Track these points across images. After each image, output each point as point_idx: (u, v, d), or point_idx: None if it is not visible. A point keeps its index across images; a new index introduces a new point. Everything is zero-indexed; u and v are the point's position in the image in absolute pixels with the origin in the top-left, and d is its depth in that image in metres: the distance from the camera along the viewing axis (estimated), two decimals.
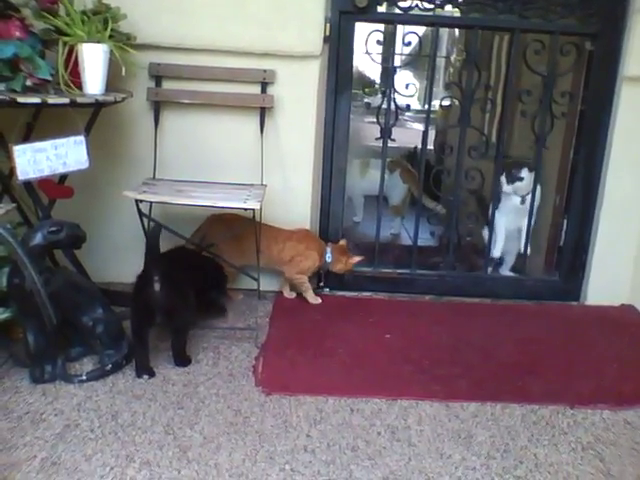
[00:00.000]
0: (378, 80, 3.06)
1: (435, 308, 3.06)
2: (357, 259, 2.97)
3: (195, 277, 2.45)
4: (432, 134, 5.86)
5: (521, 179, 3.13)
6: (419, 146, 5.30)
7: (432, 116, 5.75)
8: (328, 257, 2.93)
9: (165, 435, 1.95)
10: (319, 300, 3.00)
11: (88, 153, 2.31)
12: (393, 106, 2.98)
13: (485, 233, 3.24)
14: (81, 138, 2.29)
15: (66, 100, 2.20)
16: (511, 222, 3.24)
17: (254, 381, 2.29)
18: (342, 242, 3.00)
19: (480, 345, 2.66)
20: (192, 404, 2.12)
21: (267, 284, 2.97)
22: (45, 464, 1.79)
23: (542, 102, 2.97)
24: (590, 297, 3.15)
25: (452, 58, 5.22)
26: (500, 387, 2.34)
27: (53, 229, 2.09)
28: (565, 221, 3.17)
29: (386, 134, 2.99)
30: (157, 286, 2.24)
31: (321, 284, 3.05)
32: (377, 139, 3.04)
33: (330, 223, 3.09)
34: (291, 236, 2.93)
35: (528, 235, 3.17)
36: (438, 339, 2.70)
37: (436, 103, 5.79)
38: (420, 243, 3.23)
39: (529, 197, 3.14)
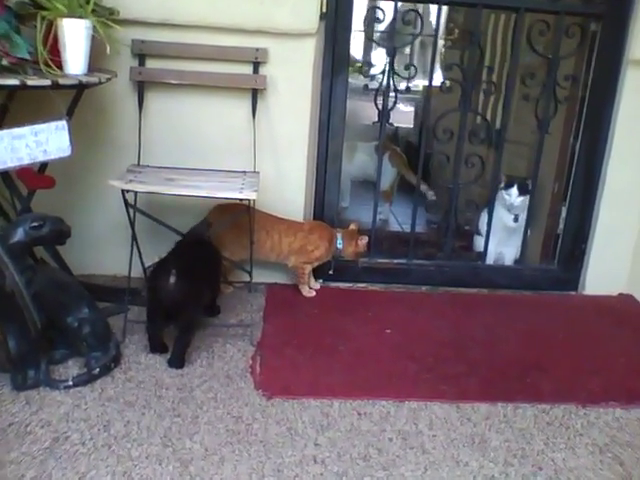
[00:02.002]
0: (374, 60, 2.88)
1: (433, 300, 2.96)
2: (365, 238, 2.84)
3: (208, 272, 2.32)
4: (413, 115, 5.87)
5: (530, 192, 3.05)
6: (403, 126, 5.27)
7: (417, 96, 5.76)
8: (339, 243, 2.82)
9: (163, 447, 1.81)
10: (313, 293, 2.87)
11: (70, 139, 2.12)
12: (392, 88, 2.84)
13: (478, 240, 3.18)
14: (63, 123, 2.09)
15: (47, 82, 2.00)
16: (502, 240, 3.20)
17: (253, 383, 2.16)
18: (352, 226, 2.89)
19: (483, 339, 2.58)
20: (189, 411, 1.98)
21: (258, 276, 2.82)
22: None
23: (546, 85, 2.86)
24: (588, 287, 3.09)
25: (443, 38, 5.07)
26: (509, 385, 2.25)
27: (35, 224, 1.91)
28: (564, 209, 3.08)
29: (384, 117, 2.85)
30: (172, 279, 2.13)
31: (330, 272, 2.92)
32: (375, 123, 2.90)
33: (325, 211, 2.95)
34: (302, 227, 2.80)
35: (526, 231, 3.09)
36: (440, 334, 2.60)
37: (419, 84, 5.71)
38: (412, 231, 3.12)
39: (522, 216, 3.08)
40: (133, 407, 1.98)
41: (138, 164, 2.61)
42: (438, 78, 3.04)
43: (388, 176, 3.97)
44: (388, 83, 2.82)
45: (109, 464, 1.72)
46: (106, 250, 2.85)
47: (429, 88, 2.97)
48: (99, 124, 2.70)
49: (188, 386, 2.11)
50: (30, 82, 1.96)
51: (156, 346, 2.27)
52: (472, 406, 2.11)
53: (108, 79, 2.29)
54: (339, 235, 2.82)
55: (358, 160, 3.83)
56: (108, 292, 2.64)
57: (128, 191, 2.27)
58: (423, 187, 3.73)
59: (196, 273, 2.21)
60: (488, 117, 3.46)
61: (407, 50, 5.98)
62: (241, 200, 2.29)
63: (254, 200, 2.32)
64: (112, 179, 2.26)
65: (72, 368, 2.17)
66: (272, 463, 1.78)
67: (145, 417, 1.93)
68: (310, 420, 1.97)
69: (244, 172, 2.60)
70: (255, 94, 2.67)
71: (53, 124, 2.07)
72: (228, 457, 1.79)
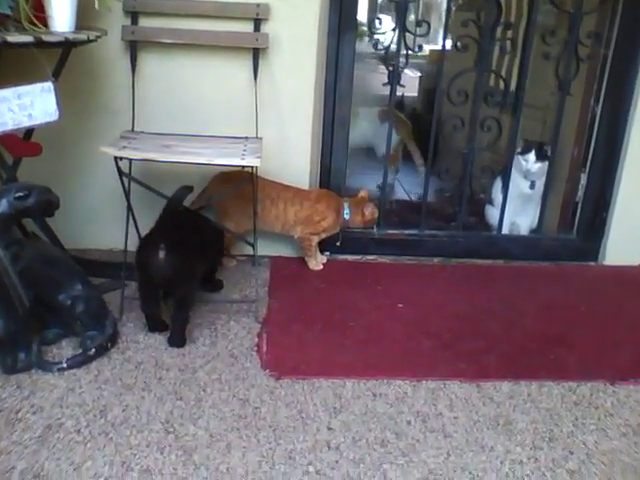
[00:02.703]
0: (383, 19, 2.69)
1: (446, 272, 2.81)
2: (370, 206, 2.68)
3: (203, 246, 2.18)
4: (419, 82, 5.65)
5: (548, 158, 2.87)
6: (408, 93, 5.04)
7: (422, 61, 5.53)
8: (346, 213, 2.65)
9: (165, 434, 1.67)
10: (320, 266, 2.72)
11: (58, 102, 1.95)
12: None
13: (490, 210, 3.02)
14: (49, 85, 1.92)
15: (29, 38, 1.82)
16: (516, 210, 3.03)
17: (260, 363, 2.02)
18: (362, 193, 2.72)
19: (501, 313, 2.44)
20: (192, 394, 1.85)
21: (262, 248, 2.67)
22: (26, 476, 1.51)
23: (567, 43, 2.67)
24: (609, 257, 2.94)
25: None
26: (532, 362, 2.12)
27: (20, 194, 1.76)
28: (583, 175, 2.92)
29: (395, 78, 2.67)
30: (162, 254, 1.98)
31: (338, 244, 2.76)
32: (385, 84, 2.72)
33: (331, 179, 2.79)
34: (309, 196, 2.64)
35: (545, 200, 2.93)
36: (455, 308, 2.46)
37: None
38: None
39: (539, 183, 2.91)
40: (132, 390, 1.85)
41: (132, 130, 2.44)
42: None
43: (391, 143, 3.79)
44: (399, 41, 2.64)
45: (106, 453, 1.59)
46: (101, 222, 2.70)
47: (443, 47, 2.77)
48: (90, 88, 2.52)
49: (190, 367, 1.98)
50: (11, 39, 1.78)
51: (154, 325, 2.13)
52: (494, 385, 1.98)
53: (97, 37, 2.11)
54: (346, 204, 2.66)
55: (358, 126, 3.64)
56: (104, 267, 2.49)
57: (121, 159, 2.10)
58: (418, 159, 3.61)
59: (187, 245, 2.06)
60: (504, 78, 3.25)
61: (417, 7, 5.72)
62: (243, 167, 2.12)
63: (257, 167, 2.16)
64: (104, 146, 2.09)
65: (66, 349, 2.04)
66: (283, 450, 1.65)
67: (145, 401, 1.80)
68: (322, 402, 1.84)
69: (246, 138, 2.43)
70: (257, 54, 2.48)
71: (38, 86, 1.90)
72: (235, 444, 1.65)
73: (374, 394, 1.89)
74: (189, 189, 2.06)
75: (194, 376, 1.93)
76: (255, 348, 2.10)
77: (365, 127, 3.76)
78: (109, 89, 2.53)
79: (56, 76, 2.01)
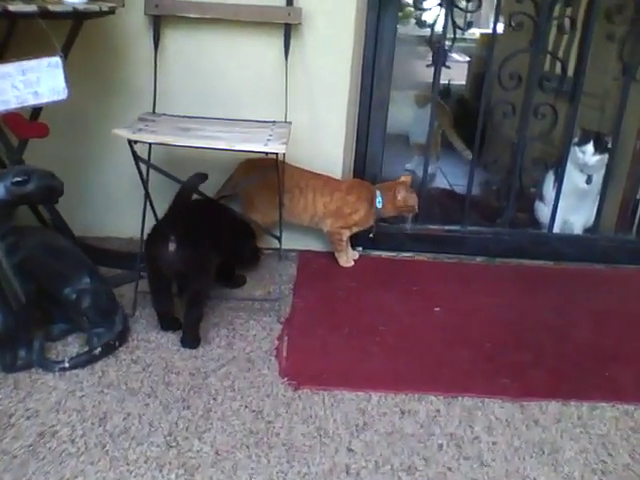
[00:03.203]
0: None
1: (490, 273, 2.57)
2: (403, 190, 2.42)
3: (219, 237, 2.00)
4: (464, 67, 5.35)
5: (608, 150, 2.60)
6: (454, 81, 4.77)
7: (471, 45, 5.24)
8: (378, 202, 2.42)
9: (167, 449, 1.51)
10: (351, 263, 2.52)
11: (66, 79, 1.80)
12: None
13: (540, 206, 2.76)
14: (57, 60, 1.77)
15: (33, 8, 1.66)
16: (570, 206, 2.75)
17: (278, 369, 1.84)
18: (403, 178, 2.48)
19: (550, 322, 2.19)
20: (201, 402, 1.68)
21: (289, 242, 2.49)
22: None
23: (634, 23, 2.39)
24: None
25: None
26: (583, 379, 1.88)
27: (18, 179, 1.60)
28: None
29: (440, 58, 2.43)
30: (172, 247, 1.82)
31: (371, 235, 2.53)
32: (428, 66, 2.49)
33: (367, 167, 2.58)
34: (340, 186, 2.43)
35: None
36: (498, 314, 2.22)
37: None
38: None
39: (596, 177, 2.64)
40: (136, 396, 1.69)
41: (153, 112, 2.27)
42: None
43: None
44: (446, 17, 2.39)
45: (100, 469, 1.43)
46: (122, 210, 2.55)
47: (495, 24, 2.51)
48: (110, 66, 2.37)
49: (202, 371, 1.81)
50: (12, 8, 1.62)
51: (167, 323, 1.98)
52: (539, 405, 1.75)
53: (111, 8, 1.94)
54: (378, 192, 2.43)
55: (392, 111, 3.42)
56: (119, 257, 2.35)
57: (136, 142, 1.94)
58: (460, 145, 3.35)
59: (199, 236, 1.88)
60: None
61: None
62: (267, 154, 1.93)
63: (283, 154, 1.97)
64: (118, 128, 1.93)
65: (72, 345, 1.90)
66: (295, 473, 1.46)
67: (149, 409, 1.64)
68: (343, 418, 1.65)
69: (273, 122, 2.23)
70: (288, 30, 2.28)
71: (45, 61, 1.75)
72: (243, 464, 1.48)
73: (402, 411, 1.69)
74: (203, 177, 1.88)
75: (205, 382, 1.76)
76: (274, 352, 1.92)
77: (400, 112, 3.53)
78: (130, 67, 2.37)
79: (66, 51, 1.85)
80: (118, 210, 2.56)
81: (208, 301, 2.10)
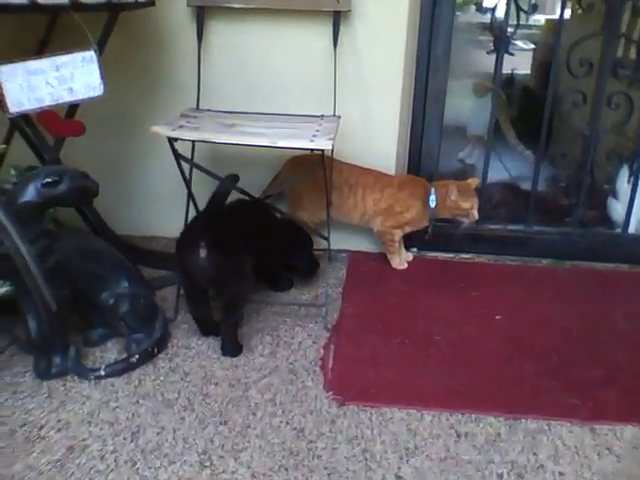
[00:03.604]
0: None
1: (557, 277, 2.36)
2: (455, 190, 2.20)
3: (257, 239, 1.89)
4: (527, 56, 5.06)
5: None
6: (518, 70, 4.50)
7: (535, 32, 4.94)
8: (432, 201, 2.23)
9: (200, 469, 1.41)
10: (405, 265, 2.36)
11: (102, 75, 1.72)
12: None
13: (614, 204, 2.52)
14: (91, 54, 1.69)
15: (64, 0, 1.58)
16: None
17: (322, 382, 1.71)
18: (471, 181, 2.26)
19: (626, 332, 1.99)
20: (239, 417, 1.57)
21: (339, 242, 2.36)
22: None
23: None
24: None
25: None
26: None
27: (49, 180, 1.53)
28: None
29: (502, 44, 2.23)
30: (203, 253, 1.71)
31: (426, 236, 2.36)
32: (489, 52, 2.30)
33: (422, 163, 2.41)
34: (391, 182, 2.27)
35: None
36: (566, 323, 2.02)
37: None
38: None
39: None
40: (172, 408, 1.60)
41: (197, 107, 2.18)
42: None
43: (485, 120, 3.32)
44: (509, 1, 2.20)
45: None
46: (168, 208, 2.46)
47: (562, 10, 2.29)
48: (153, 61, 2.29)
49: (242, 382, 1.70)
50: (42, 0, 1.54)
51: (206, 329, 1.89)
52: (613, 430, 1.56)
53: (149, 0, 1.85)
54: (433, 189, 2.25)
55: (449, 102, 3.23)
56: (165, 258, 2.27)
57: (176, 140, 1.85)
58: (513, 140, 3.13)
59: (233, 239, 1.77)
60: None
61: None
62: (312, 151, 1.80)
63: (332, 151, 1.85)
64: (158, 125, 1.84)
65: (111, 351, 1.83)
66: None
67: (184, 423, 1.54)
68: (392, 440, 1.50)
69: (321, 116, 2.10)
70: (337, 19, 2.13)
71: (79, 56, 1.67)
72: None
73: (458, 433, 1.53)
74: (235, 178, 1.77)
75: (245, 394, 1.65)
76: (320, 362, 1.80)
77: (457, 103, 3.33)
78: (174, 61, 2.28)
79: (101, 45, 1.77)
80: (164, 209, 2.49)
81: (249, 305, 2.01)
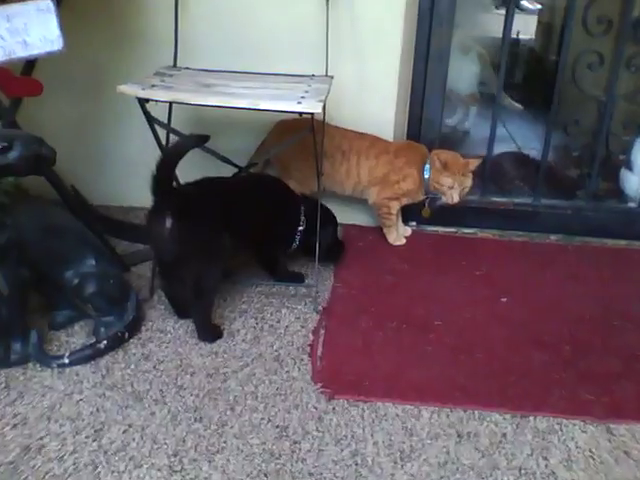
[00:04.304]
0: None
1: (567, 254, 2.19)
2: (436, 162, 1.99)
3: (247, 219, 1.69)
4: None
5: None
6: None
7: None
8: (426, 170, 2.04)
9: (168, 474, 1.25)
10: (403, 241, 2.19)
11: (60, 26, 1.51)
12: None
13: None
14: (47, 3, 1.48)
15: None
16: None
17: (310, 372, 1.55)
18: (472, 160, 2.03)
19: None
20: (216, 413, 1.41)
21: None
22: None
23: None
24: None
25: None
26: None
27: None
28: None
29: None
30: (168, 222, 1.53)
31: (423, 212, 2.17)
32: (498, 7, 2.09)
33: (422, 130, 2.21)
34: (388, 147, 2.08)
35: None
36: (578, 306, 1.86)
37: None
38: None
39: None
40: (141, 402, 1.43)
41: (174, 65, 1.97)
42: None
43: (472, 78, 3.09)
44: None
45: None
46: (146, 176, 2.27)
47: None
48: (125, 13, 2.08)
49: (221, 372, 1.54)
50: None
51: (181, 310, 1.72)
52: (630, 429, 1.41)
53: None
54: (429, 159, 2.04)
55: None
56: (140, 230, 2.08)
57: (147, 100, 1.65)
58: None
59: (209, 211, 1.59)
60: None
61: None
62: (300, 114, 1.61)
63: (323, 114, 1.66)
64: (127, 84, 1.64)
65: (79, 335, 1.66)
66: None
67: (154, 420, 1.38)
68: (386, 441, 1.35)
69: (312, 76, 1.90)
70: None
71: (32, 5, 1.46)
72: None
73: (459, 434, 1.37)
74: (199, 139, 1.57)
75: (224, 385, 1.49)
76: (308, 349, 1.63)
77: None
78: (148, 14, 2.07)
79: None
80: (142, 177, 2.26)
81: (232, 285, 1.83)
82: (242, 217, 1.67)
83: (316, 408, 1.43)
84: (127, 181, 2.33)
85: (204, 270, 1.61)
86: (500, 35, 2.16)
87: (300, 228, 1.87)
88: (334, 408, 1.43)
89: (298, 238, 1.88)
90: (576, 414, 1.44)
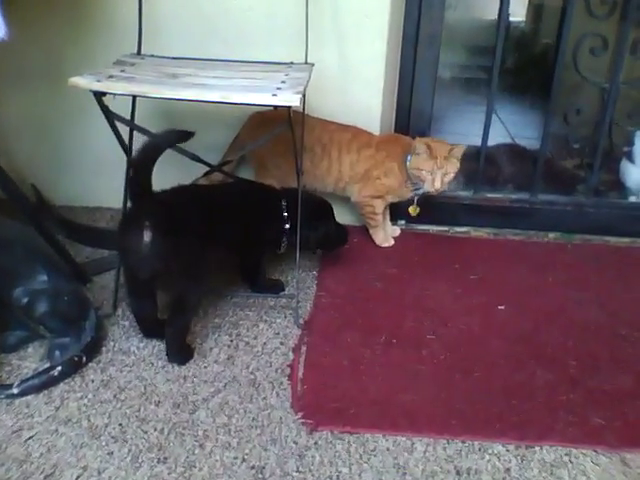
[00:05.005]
0: None
1: (568, 254, 2.05)
2: (420, 148, 1.81)
3: (219, 222, 1.51)
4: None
5: None
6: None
7: None
8: (408, 160, 1.85)
9: None
10: (391, 242, 2.02)
11: (3, 15, 1.31)
12: None
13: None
14: None
15: None
16: None
17: (290, 397, 1.38)
18: (456, 146, 1.82)
19: None
20: (183, 452, 1.24)
21: None
22: None
23: None
24: None
25: None
26: None
27: None
28: None
29: None
30: (147, 236, 1.34)
31: (410, 210, 1.98)
32: None
33: (412, 122, 2.04)
34: (370, 140, 1.90)
35: None
36: (583, 315, 1.71)
37: None
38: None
39: None
40: (99, 439, 1.26)
41: (138, 53, 1.78)
42: None
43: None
44: None
45: None
46: (113, 175, 2.07)
47: None
48: None
49: (190, 400, 1.37)
50: None
51: (148, 329, 1.55)
52: None
53: None
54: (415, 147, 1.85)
55: None
56: (106, 235, 1.90)
57: (104, 94, 1.45)
58: None
59: (191, 222, 1.42)
60: None
61: None
62: (276, 107, 1.43)
63: (303, 106, 1.49)
64: (83, 75, 1.45)
65: (32, 359, 1.48)
66: None
67: (112, 460, 1.21)
68: None
69: (290, 64, 1.72)
70: None
71: None
72: None
73: (458, 470, 1.22)
74: (182, 135, 1.39)
75: (192, 417, 1.32)
76: (287, 370, 1.47)
77: None
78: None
79: None
80: (108, 175, 2.08)
81: (210, 296, 1.66)
82: (224, 225, 1.51)
83: (296, 443, 1.27)
84: (93, 180, 2.17)
85: (187, 288, 1.44)
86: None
87: (286, 226, 1.69)
88: (316, 442, 1.27)
89: (286, 237, 1.71)
90: (586, 442, 1.29)
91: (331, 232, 1.77)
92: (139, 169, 1.36)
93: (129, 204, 1.48)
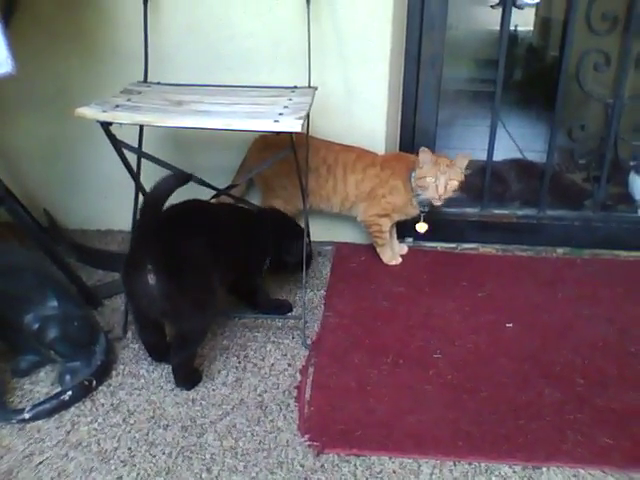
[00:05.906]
0: None
1: (576, 269, 2.04)
2: (425, 157, 1.81)
3: (223, 251, 1.53)
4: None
5: None
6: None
7: None
8: (413, 177, 1.86)
9: None
10: (398, 260, 2.03)
11: (9, 47, 1.35)
12: None
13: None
14: None
15: None
16: None
17: (297, 420, 1.39)
18: (461, 156, 1.82)
19: None
20: (191, 476, 1.25)
21: (321, 232, 2.04)
22: None
23: None
24: None
25: None
26: None
27: None
28: None
29: None
30: (151, 279, 1.35)
31: (418, 226, 1.96)
32: (494, 6, 1.93)
33: (416, 141, 2.06)
34: (375, 160, 1.92)
35: None
36: (591, 332, 1.70)
37: None
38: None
39: None
40: (108, 463, 1.28)
41: (145, 80, 1.82)
42: None
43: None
44: None
45: None
46: (124, 198, 2.11)
47: None
48: (94, 28, 1.93)
49: (198, 423, 1.39)
50: None
51: (157, 355, 1.56)
52: None
53: None
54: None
55: None
56: (113, 259, 1.94)
57: (111, 124, 1.49)
58: None
59: (194, 257, 1.43)
60: None
61: None
62: (278, 133, 1.45)
63: (307, 127, 1.53)
64: (90, 105, 1.48)
65: (44, 382, 1.51)
66: None
67: None
68: None
69: (294, 88, 1.74)
70: None
71: None
72: None
73: None
74: (178, 180, 1.38)
75: (200, 441, 1.34)
76: (295, 392, 1.48)
77: None
78: (118, 28, 1.92)
79: (8, 11, 1.40)
80: (119, 198, 2.12)
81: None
82: (222, 253, 1.52)
83: (303, 466, 1.27)
84: (103, 203, 2.21)
85: (194, 322, 1.45)
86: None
87: (267, 246, 1.71)
88: (323, 465, 1.28)
89: (269, 259, 1.73)
90: (594, 463, 1.28)
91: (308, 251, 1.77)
92: (145, 213, 1.36)
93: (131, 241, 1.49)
